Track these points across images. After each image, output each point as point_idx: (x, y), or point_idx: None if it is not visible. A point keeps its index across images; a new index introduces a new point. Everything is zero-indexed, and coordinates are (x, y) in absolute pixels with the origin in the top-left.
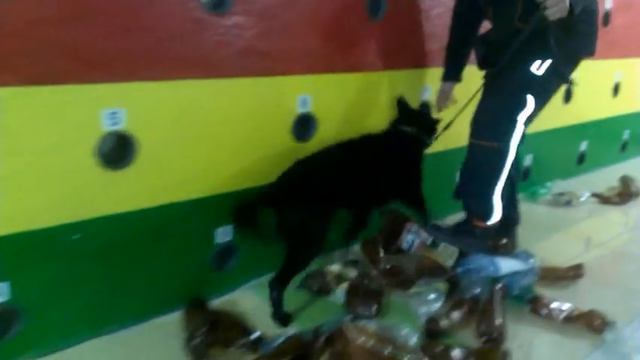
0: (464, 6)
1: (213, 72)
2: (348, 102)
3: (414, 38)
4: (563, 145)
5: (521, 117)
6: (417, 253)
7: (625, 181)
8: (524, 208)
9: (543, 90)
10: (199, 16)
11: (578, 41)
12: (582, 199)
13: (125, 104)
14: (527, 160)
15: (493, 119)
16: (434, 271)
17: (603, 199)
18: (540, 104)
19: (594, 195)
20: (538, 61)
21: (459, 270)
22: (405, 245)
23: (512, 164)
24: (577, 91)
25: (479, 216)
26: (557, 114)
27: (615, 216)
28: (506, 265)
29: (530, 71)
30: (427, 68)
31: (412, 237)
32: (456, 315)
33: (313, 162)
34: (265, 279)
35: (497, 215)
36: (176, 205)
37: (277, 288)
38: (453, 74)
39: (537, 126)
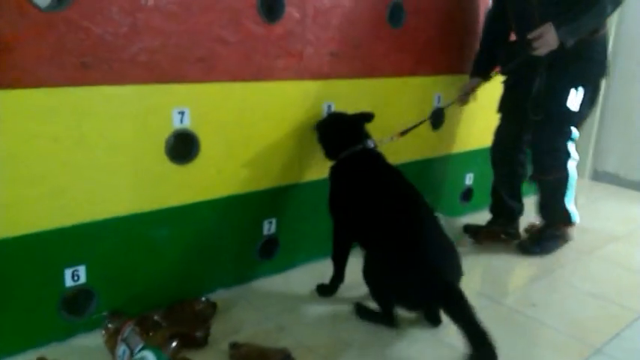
0: (495, 11)
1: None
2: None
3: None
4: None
5: (571, 145)
6: None
7: None
8: None
9: (581, 117)
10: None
11: (594, 67)
12: None
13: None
14: None
15: (552, 158)
16: None
17: None
18: (581, 126)
19: None
20: (573, 91)
21: None
22: None
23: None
24: (452, 116)
25: (565, 223)
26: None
27: None
28: None
29: (568, 108)
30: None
31: (124, 347)
32: None
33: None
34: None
35: (577, 216)
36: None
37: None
38: (480, 71)
39: (406, 156)
